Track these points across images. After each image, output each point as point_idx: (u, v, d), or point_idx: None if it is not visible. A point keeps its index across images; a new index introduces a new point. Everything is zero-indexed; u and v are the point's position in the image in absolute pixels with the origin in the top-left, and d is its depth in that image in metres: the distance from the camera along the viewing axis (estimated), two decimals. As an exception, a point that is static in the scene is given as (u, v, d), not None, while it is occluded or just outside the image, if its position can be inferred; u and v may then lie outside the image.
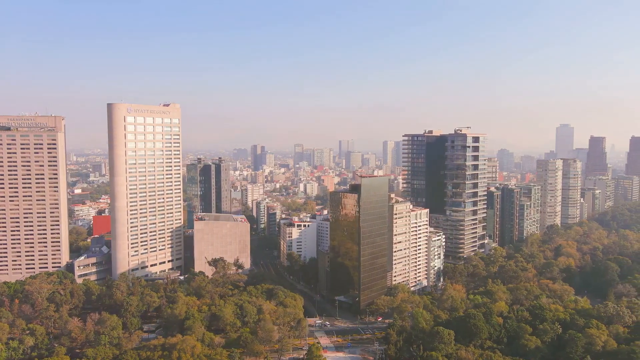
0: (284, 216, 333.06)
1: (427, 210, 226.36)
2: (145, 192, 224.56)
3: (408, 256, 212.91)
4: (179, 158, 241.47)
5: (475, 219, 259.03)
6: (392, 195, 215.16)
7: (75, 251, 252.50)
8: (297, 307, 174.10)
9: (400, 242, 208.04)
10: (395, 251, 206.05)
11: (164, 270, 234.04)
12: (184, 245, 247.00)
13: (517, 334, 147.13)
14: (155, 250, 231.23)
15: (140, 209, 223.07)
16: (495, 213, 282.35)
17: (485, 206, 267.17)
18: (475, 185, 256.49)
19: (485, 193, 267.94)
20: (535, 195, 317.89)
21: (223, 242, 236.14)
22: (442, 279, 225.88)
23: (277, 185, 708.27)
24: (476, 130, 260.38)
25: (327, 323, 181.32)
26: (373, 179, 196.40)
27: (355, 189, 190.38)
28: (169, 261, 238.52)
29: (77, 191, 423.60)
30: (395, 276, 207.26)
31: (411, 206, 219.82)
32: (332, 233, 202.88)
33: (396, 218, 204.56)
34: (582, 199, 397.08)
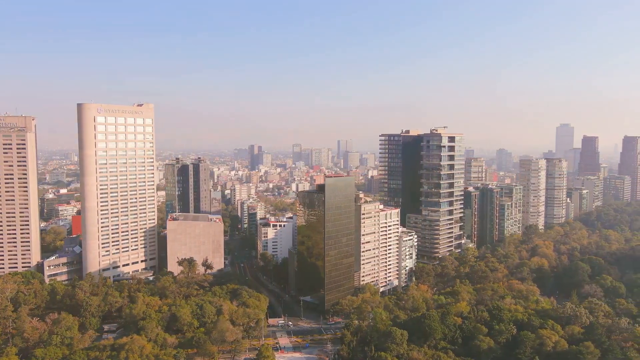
0: (268, 216, 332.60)
1: (398, 210, 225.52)
2: (117, 192, 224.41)
3: (377, 256, 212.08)
4: (152, 158, 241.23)
5: (451, 219, 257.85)
6: (362, 195, 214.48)
7: (52, 251, 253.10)
8: (259, 308, 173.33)
9: (368, 242, 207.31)
10: (363, 251, 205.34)
11: (137, 270, 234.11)
12: (158, 245, 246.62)
13: (473, 334, 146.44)
14: (127, 250, 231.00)
15: (112, 209, 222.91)
16: (473, 213, 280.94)
17: (462, 206, 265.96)
18: (451, 185, 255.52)
19: (462, 193, 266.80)
20: (517, 195, 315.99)
21: (196, 242, 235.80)
22: (414, 279, 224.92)
23: (271, 185, 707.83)
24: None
25: (290, 323, 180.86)
26: (338, 179, 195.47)
27: (322, 189, 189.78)
28: (142, 261, 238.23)
29: (63, 191, 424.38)
30: (363, 276, 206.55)
31: (381, 206, 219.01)
32: (299, 233, 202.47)
33: (364, 218, 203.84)
34: (568, 199, 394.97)
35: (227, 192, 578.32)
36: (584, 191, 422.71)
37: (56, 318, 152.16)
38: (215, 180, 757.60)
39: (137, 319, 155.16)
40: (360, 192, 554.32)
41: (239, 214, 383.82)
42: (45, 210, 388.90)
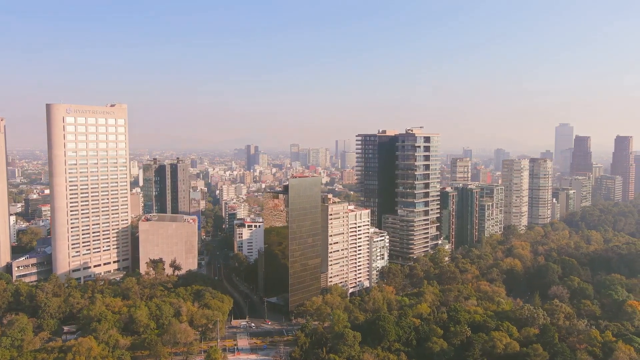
0: (252, 216, 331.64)
1: (369, 211, 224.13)
2: (87, 192, 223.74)
3: (346, 257, 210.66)
4: (125, 158, 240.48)
5: (427, 220, 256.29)
6: (330, 196, 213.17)
7: (28, 251, 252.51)
8: (221, 309, 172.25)
9: (336, 242, 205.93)
10: (331, 252, 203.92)
11: (109, 271, 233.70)
12: (132, 245, 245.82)
13: (428, 336, 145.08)
14: (99, 251, 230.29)
15: (82, 210, 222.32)
16: (451, 214, 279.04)
17: (438, 207, 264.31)
18: (426, 186, 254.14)
19: (438, 193, 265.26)
20: (498, 196, 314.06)
21: (169, 243, 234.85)
22: (385, 280, 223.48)
23: (263, 186, 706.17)
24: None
25: (253, 324, 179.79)
26: (303, 180, 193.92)
27: (287, 189, 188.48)
28: (114, 262, 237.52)
29: (47, 192, 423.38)
30: (331, 277, 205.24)
31: (351, 207, 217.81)
32: (266, 234, 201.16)
33: (332, 219, 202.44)
34: (554, 199, 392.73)
35: (218, 192, 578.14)
36: (571, 191, 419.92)
37: (10, 319, 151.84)
38: (209, 180, 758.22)
39: (93, 321, 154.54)
40: (352, 191, 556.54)
41: (223, 214, 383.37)
42: (30, 211, 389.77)
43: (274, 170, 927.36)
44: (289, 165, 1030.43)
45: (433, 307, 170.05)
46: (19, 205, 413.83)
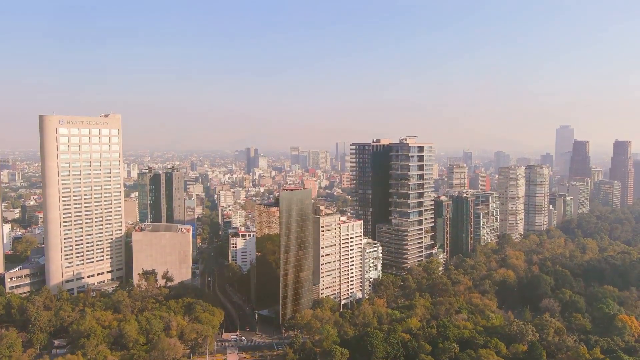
0: (248, 223, 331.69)
1: (361, 222, 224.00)
2: (81, 203, 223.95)
3: (339, 268, 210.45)
4: (119, 169, 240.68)
5: (421, 229, 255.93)
6: (322, 207, 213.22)
7: (22, 261, 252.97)
8: (211, 323, 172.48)
9: (328, 254, 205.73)
10: (323, 264, 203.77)
11: (103, 281, 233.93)
12: (126, 255, 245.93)
13: (416, 353, 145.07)
14: (92, 262, 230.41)
15: (75, 220, 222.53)
16: (446, 222, 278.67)
17: (432, 216, 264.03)
18: (420, 195, 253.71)
19: (433, 202, 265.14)
20: (494, 204, 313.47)
21: (162, 253, 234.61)
22: (378, 292, 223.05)
23: (262, 190, 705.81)
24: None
25: (244, 338, 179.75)
26: (294, 192, 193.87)
27: (277, 202, 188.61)
28: (108, 272, 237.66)
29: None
30: (323, 289, 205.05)
31: (343, 218, 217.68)
32: (258, 246, 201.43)
33: (324, 230, 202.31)
34: (552, 205, 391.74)
35: (216, 196, 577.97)
36: (568, 198, 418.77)
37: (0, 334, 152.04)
38: (208, 184, 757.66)
39: (82, 336, 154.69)
40: (350, 196, 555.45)
41: (220, 220, 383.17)
42: (27, 217, 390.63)
43: (273, 173, 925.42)
44: (288, 168, 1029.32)
45: (423, 322, 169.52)
46: (17, 210, 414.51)
